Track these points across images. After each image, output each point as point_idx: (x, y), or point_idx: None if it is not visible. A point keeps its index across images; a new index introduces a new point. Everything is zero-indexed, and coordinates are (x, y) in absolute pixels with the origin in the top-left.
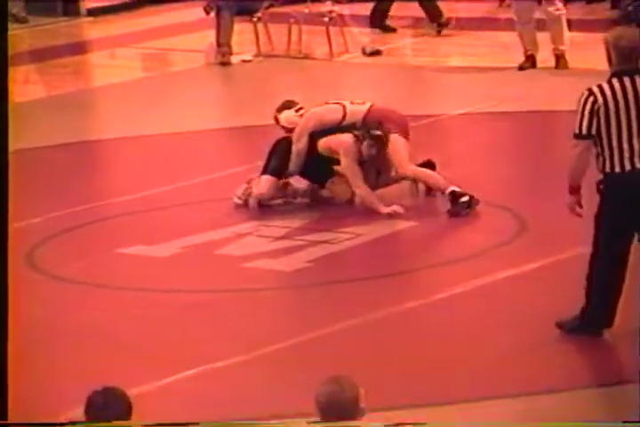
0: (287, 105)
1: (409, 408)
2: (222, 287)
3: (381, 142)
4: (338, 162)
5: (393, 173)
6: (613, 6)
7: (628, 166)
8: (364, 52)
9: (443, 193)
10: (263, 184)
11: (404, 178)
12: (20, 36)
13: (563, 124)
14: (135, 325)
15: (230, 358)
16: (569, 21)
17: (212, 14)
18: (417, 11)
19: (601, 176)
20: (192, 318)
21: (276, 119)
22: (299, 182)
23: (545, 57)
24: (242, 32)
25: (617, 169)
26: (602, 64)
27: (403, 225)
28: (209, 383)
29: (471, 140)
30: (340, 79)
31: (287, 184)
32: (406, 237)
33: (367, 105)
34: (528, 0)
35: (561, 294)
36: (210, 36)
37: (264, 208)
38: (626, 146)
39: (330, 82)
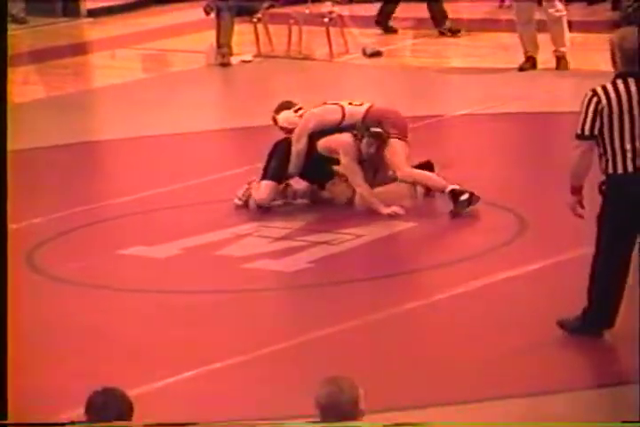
0: (286, 105)
1: (409, 409)
2: (223, 288)
3: (381, 139)
4: (337, 162)
5: (390, 173)
6: (614, 7)
7: (630, 167)
8: (364, 53)
9: (442, 192)
10: (263, 189)
11: (402, 181)
12: (20, 37)
13: (563, 125)
14: (135, 326)
15: (230, 358)
16: (569, 22)
17: (213, 15)
18: (418, 12)
19: (603, 177)
20: (192, 318)
21: (275, 120)
22: (298, 183)
23: (545, 58)
24: (242, 33)
25: (619, 170)
26: (603, 65)
27: (403, 226)
28: (209, 384)
29: (471, 141)
30: (341, 80)
31: (287, 185)
32: (407, 237)
33: (366, 106)
34: (528, 1)
35: (561, 295)
36: (210, 36)
37: (264, 209)
38: (629, 147)
39: (330, 83)
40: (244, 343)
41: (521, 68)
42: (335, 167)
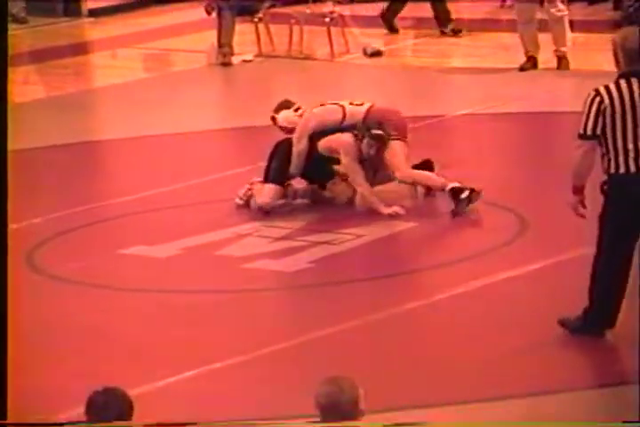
0: (285, 105)
1: (409, 409)
2: (223, 288)
3: (381, 141)
4: (338, 162)
5: (389, 172)
6: (615, 7)
7: (632, 167)
8: (365, 53)
9: (443, 191)
10: (266, 192)
11: (401, 182)
12: (21, 37)
13: (564, 125)
14: (135, 325)
15: (231, 358)
16: (571, 22)
17: (214, 14)
18: (418, 11)
19: (605, 177)
20: (193, 318)
21: (274, 119)
22: (299, 183)
23: (546, 58)
24: (243, 32)
25: (622, 170)
26: (604, 65)
27: (403, 226)
28: (209, 384)
29: (472, 140)
30: (341, 80)
31: (288, 185)
32: (407, 237)
33: (366, 106)
34: (530, 1)
35: (562, 295)
36: (211, 36)
37: (265, 210)
38: (631, 147)
39: (331, 82)
40: (244, 343)
41: (522, 68)
42: (336, 167)
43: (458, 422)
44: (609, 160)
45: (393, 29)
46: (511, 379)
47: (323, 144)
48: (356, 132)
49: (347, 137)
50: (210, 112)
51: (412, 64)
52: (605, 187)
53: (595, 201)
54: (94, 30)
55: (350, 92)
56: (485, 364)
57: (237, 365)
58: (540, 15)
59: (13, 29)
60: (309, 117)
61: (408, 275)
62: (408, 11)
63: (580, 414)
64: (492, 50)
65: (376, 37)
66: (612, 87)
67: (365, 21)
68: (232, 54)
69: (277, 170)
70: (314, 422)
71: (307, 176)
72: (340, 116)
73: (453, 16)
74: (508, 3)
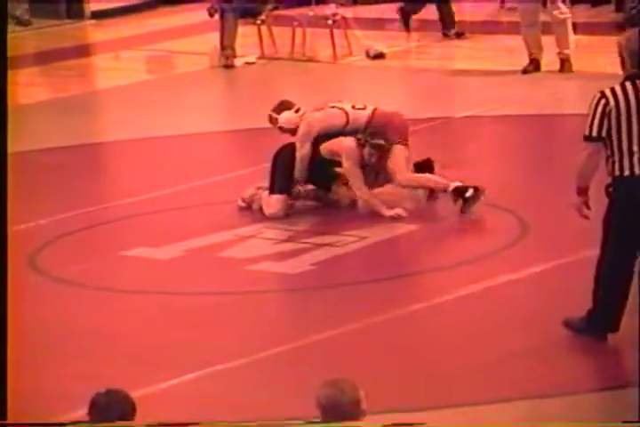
0: (286, 106)
1: (410, 411)
2: (226, 290)
3: (383, 151)
4: (340, 164)
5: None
6: (618, 9)
7: (637, 170)
8: (367, 55)
9: (445, 192)
10: (274, 203)
11: (402, 186)
12: (24, 39)
13: (567, 127)
14: (138, 327)
15: (233, 360)
16: (574, 24)
17: (216, 17)
18: (422, 14)
19: (610, 179)
20: (195, 320)
21: (272, 119)
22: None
23: (549, 60)
24: (246, 35)
25: (626, 172)
26: (606, 67)
27: (406, 228)
28: (212, 386)
29: (474, 143)
30: (344, 82)
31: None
32: (410, 240)
33: (369, 110)
34: (533, 3)
35: (563, 298)
36: (214, 38)
37: None
38: (636, 149)
39: (334, 85)
40: (246, 345)
41: (524, 71)
42: (338, 169)
43: (459, 424)
44: (614, 162)
45: (407, 26)
46: (512, 382)
47: (325, 147)
48: (359, 136)
49: (349, 141)
50: (212, 114)
51: (414, 66)
52: (610, 189)
53: (597, 204)
54: (97, 32)
55: (353, 94)
56: (486, 366)
57: (240, 367)
58: (543, 17)
59: (17, 31)
60: (312, 123)
61: (410, 277)
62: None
63: (580, 417)
64: (495, 52)
65: (379, 40)
66: (618, 89)
67: (368, 24)
68: (235, 56)
69: (282, 179)
70: (315, 422)
71: (309, 179)
72: (343, 120)
73: (456, 18)
74: (508, 5)
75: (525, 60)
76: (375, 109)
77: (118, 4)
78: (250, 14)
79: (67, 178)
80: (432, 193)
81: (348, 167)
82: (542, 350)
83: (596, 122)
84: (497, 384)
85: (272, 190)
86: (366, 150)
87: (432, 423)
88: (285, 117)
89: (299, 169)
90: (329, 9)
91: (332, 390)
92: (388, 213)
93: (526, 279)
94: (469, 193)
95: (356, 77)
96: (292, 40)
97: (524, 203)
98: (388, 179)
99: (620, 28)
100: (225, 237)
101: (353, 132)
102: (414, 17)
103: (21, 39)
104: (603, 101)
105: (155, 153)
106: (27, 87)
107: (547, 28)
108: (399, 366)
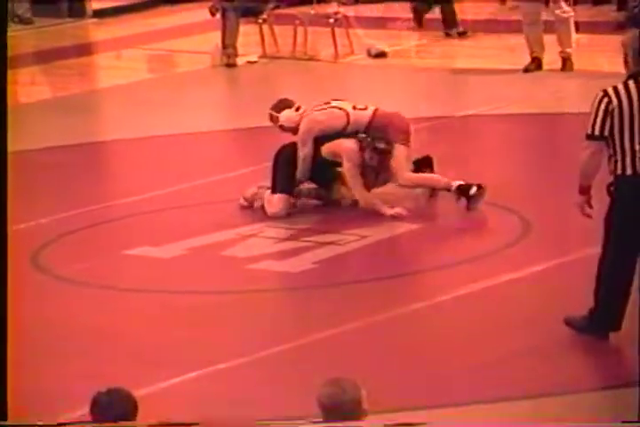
0: (287, 104)
1: (412, 410)
2: (227, 289)
3: (384, 155)
4: (341, 164)
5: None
6: (619, 8)
7: (639, 169)
8: (369, 54)
9: (449, 191)
10: (276, 203)
11: (404, 187)
12: (26, 38)
13: (568, 126)
14: (140, 326)
15: (235, 359)
16: (575, 23)
17: (218, 16)
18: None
19: (612, 178)
20: (196, 319)
21: (272, 118)
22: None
23: (551, 59)
24: (247, 34)
25: (628, 171)
26: (607, 66)
27: (408, 227)
28: (213, 385)
29: (476, 141)
30: (346, 81)
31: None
32: (411, 238)
33: (371, 110)
34: (535, 2)
35: (565, 297)
36: (215, 37)
37: None
38: (638, 148)
39: (335, 83)
40: (248, 344)
41: (526, 69)
42: (339, 169)
43: (460, 423)
44: (616, 161)
45: (420, 23)
46: (513, 381)
47: (326, 148)
48: (361, 137)
49: (350, 143)
50: (214, 113)
51: (416, 65)
52: (612, 188)
53: (599, 203)
54: (99, 31)
55: (354, 93)
56: (488, 365)
57: (241, 366)
58: (545, 16)
59: (18, 30)
60: (312, 124)
61: (411, 276)
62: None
63: (581, 417)
64: (497, 51)
65: (380, 38)
66: (621, 88)
67: (370, 22)
68: (236, 55)
69: (284, 179)
70: (317, 422)
71: (311, 178)
72: (344, 121)
73: (458, 17)
74: (509, 3)
75: (527, 59)
76: (376, 110)
77: (120, 2)
78: (251, 13)
79: (68, 177)
80: (433, 192)
81: (349, 169)
82: (543, 349)
83: (599, 120)
84: (498, 383)
85: (274, 190)
86: (367, 154)
87: (433, 423)
88: (286, 116)
89: (301, 169)
90: (330, 8)
91: (334, 389)
92: (389, 211)
93: (528, 278)
94: (474, 191)
95: (358, 76)
96: (294, 39)
97: (525, 202)
98: (389, 179)
99: (621, 27)
100: (227, 235)
101: (354, 133)
102: (412, 17)
103: (23, 38)
104: (605, 100)
105: (156, 152)
106: (27, 86)
107: (548, 27)
108: (400, 364)
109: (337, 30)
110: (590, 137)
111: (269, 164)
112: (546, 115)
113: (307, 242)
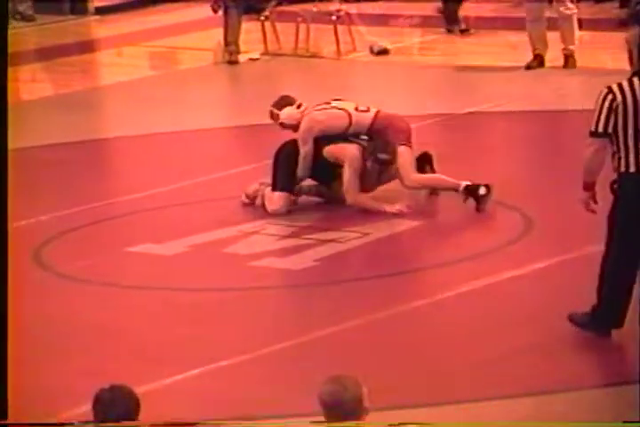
0: (288, 101)
1: (413, 408)
2: (229, 286)
3: (385, 166)
4: (342, 166)
5: (393, 172)
6: (622, 5)
7: None
8: (371, 51)
9: (457, 191)
10: (277, 200)
11: (413, 188)
12: (28, 35)
13: (571, 123)
14: (142, 323)
15: (237, 356)
16: (578, 20)
17: (220, 13)
18: (425, 10)
19: (615, 176)
20: (198, 316)
21: (273, 115)
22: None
23: (553, 56)
24: (249, 31)
25: (632, 169)
26: (610, 63)
27: (409, 224)
28: (215, 382)
29: (478, 139)
30: (348, 78)
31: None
32: (413, 236)
33: (372, 112)
34: None
35: (567, 294)
36: (217, 34)
37: None
38: None
39: (337, 81)
40: (250, 341)
41: (528, 67)
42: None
43: (461, 420)
44: (619, 159)
45: (453, 27)
46: (515, 378)
47: (328, 151)
48: (363, 144)
49: (353, 148)
50: (216, 110)
51: (418, 62)
52: (615, 186)
53: (602, 200)
54: (101, 28)
55: (357, 90)
56: (490, 362)
57: (243, 363)
58: (548, 13)
59: (21, 27)
60: (312, 122)
61: (413, 273)
62: (414, 9)
63: (584, 414)
64: (499, 48)
65: (383, 36)
66: (625, 85)
67: (372, 19)
68: (238, 52)
69: (285, 177)
70: (318, 421)
71: (312, 176)
72: (345, 122)
73: (461, 14)
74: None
75: (529, 56)
76: (378, 112)
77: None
78: (253, 10)
79: (71, 174)
80: (434, 190)
81: (349, 176)
82: (546, 346)
83: (603, 117)
84: (500, 380)
85: (275, 187)
86: (369, 164)
87: (435, 420)
88: (287, 113)
89: (302, 167)
90: (333, 5)
91: (335, 386)
92: (391, 209)
93: (530, 275)
94: (482, 191)
95: (360, 73)
96: (296, 36)
97: (527, 199)
98: (392, 177)
99: (623, 24)
100: (229, 233)
101: (355, 135)
102: (417, 14)
103: (24, 35)
104: (610, 97)
105: (158, 149)
106: (29, 83)
107: (551, 24)
108: (402, 362)
109: (339, 27)
110: (594, 134)
111: (271, 161)
112: (548, 112)
113: (308, 239)
